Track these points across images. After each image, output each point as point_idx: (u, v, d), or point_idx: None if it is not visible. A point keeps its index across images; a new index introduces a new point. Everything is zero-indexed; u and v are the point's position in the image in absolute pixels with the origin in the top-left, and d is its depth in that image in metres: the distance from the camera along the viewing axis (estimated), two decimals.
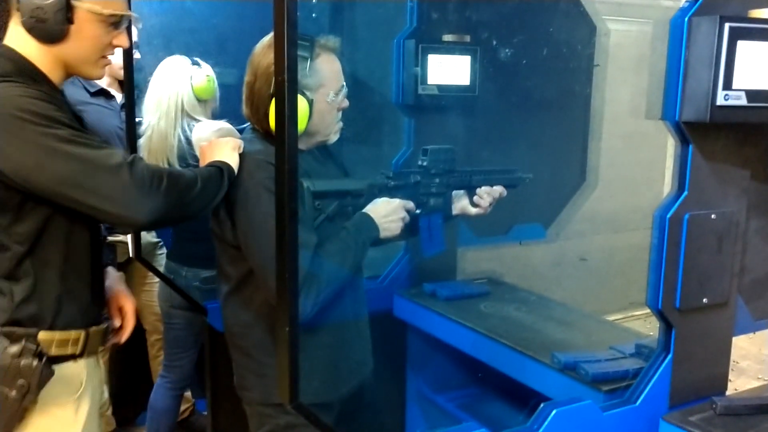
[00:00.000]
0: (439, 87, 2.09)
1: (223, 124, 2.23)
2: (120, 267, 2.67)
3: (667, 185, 1.35)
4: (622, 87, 2.58)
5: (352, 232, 1.51)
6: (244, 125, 2.46)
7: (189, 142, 2.26)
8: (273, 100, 1.32)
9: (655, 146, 3.49)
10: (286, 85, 0.95)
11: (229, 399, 2.18)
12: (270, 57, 1.37)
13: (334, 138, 1.57)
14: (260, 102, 1.49)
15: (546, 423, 1.29)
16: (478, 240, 2.29)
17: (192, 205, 1.37)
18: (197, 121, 2.28)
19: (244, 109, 1.55)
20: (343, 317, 1.58)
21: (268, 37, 1.49)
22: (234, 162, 1.47)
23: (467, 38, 2.16)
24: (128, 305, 1.60)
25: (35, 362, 1.29)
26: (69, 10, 1.30)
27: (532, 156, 2.22)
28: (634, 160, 3.74)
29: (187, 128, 2.25)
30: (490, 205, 1.72)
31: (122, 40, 1.40)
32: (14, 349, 1.28)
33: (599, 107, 2.51)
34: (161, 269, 2.46)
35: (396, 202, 1.57)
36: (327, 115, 1.52)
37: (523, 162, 2.09)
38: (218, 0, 2.77)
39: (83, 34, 1.33)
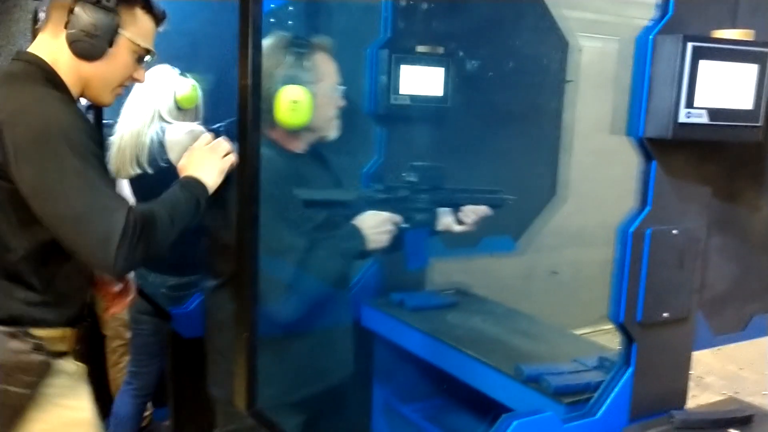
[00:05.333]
0: (412, 97, 2.10)
1: (195, 127, 2.21)
2: None
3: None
4: (594, 103, 2.61)
5: (340, 241, 1.54)
6: (217, 125, 2.46)
7: (161, 144, 2.25)
8: (277, 95, 1.46)
9: (625, 162, 3.53)
10: (249, 89, 0.95)
11: (191, 406, 2.15)
12: (270, 57, 1.46)
13: (333, 134, 1.62)
14: (264, 98, 1.52)
15: None
16: (448, 251, 2.30)
17: (162, 246, 1.37)
18: (169, 123, 2.26)
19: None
20: (322, 324, 1.61)
21: (267, 39, 1.54)
22: (212, 176, 1.46)
23: (440, 50, 2.17)
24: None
25: (36, 356, 1.33)
26: (116, 34, 1.36)
27: (502, 168, 2.24)
28: (604, 176, 3.78)
29: (159, 131, 2.23)
30: (475, 223, 1.75)
31: (141, 74, 1.48)
32: (14, 345, 1.31)
33: (570, 122, 2.53)
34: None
35: (384, 215, 1.60)
36: (326, 110, 1.58)
37: (494, 174, 2.11)
38: (190, 1, 2.75)
39: (116, 60, 1.39)
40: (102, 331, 2.84)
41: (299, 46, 1.52)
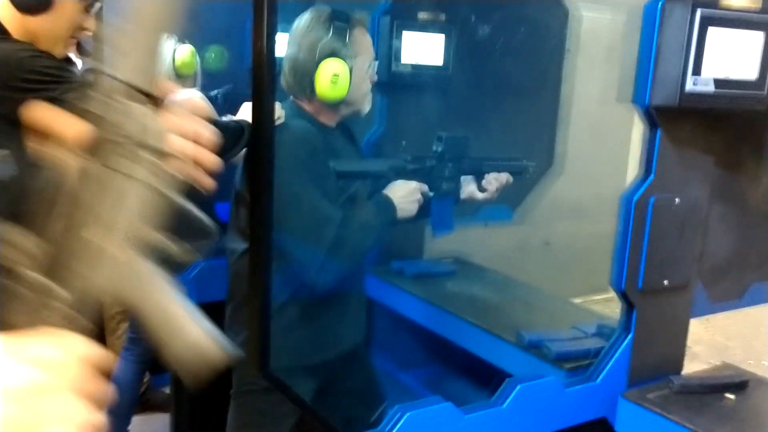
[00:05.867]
0: (413, 66, 2.09)
1: (194, 93, 2.19)
2: None
3: (630, 176, 1.38)
4: (591, 75, 2.60)
5: (372, 211, 1.58)
6: (215, 92, 2.44)
7: None
8: (317, 69, 1.49)
9: (619, 136, 3.54)
10: (264, 51, 0.94)
11: None
12: (310, 31, 1.53)
13: (366, 108, 1.66)
14: (305, 72, 1.55)
15: (510, 398, 1.32)
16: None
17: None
18: None
19: (285, 80, 1.61)
20: (347, 291, 1.68)
21: (308, 13, 1.58)
22: None
23: (442, 17, 2.16)
24: None
25: None
26: None
27: (501, 137, 2.24)
28: (598, 150, 3.78)
29: None
30: (497, 190, 1.76)
31: (91, 23, 1.43)
32: None
33: (568, 94, 2.53)
34: None
35: (413, 185, 1.63)
36: (362, 84, 1.61)
37: (493, 143, 2.11)
38: None
39: (62, 11, 1.35)
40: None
41: (340, 20, 1.54)
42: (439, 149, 1.70)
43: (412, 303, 1.99)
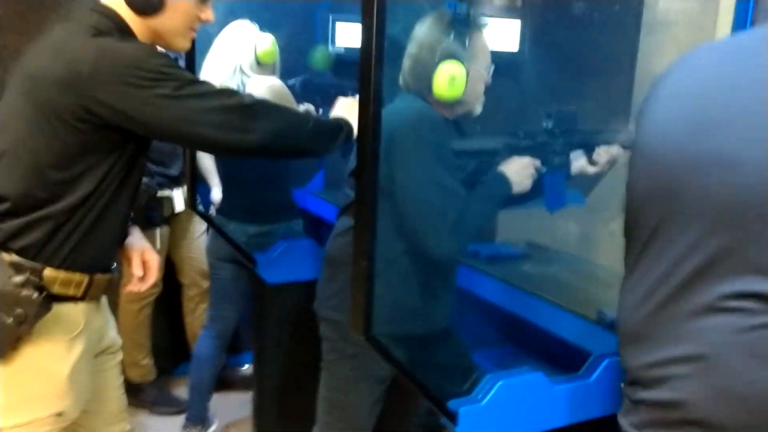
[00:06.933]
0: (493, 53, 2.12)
1: (275, 80, 2.27)
2: (164, 221, 2.76)
3: None
4: (667, 54, 2.57)
5: (490, 186, 1.64)
6: (293, 80, 2.51)
7: None
8: (438, 68, 1.57)
9: None
10: (374, 30, 0.99)
11: (274, 351, 2.25)
12: (433, 34, 1.61)
13: (479, 108, 1.73)
14: (425, 72, 1.62)
15: (597, 372, 1.34)
16: (516, 203, 2.32)
17: (301, 139, 1.45)
18: (249, 77, 2.33)
19: (404, 79, 1.69)
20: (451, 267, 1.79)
21: (431, 16, 1.66)
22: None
23: (518, 1, 2.18)
24: (153, 259, 1.67)
25: (35, 295, 1.33)
26: None
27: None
28: None
29: (240, 84, 2.30)
30: (608, 162, 1.78)
31: (209, 14, 1.50)
32: (18, 279, 1.32)
33: (644, 75, 2.50)
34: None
35: (526, 160, 1.68)
36: (478, 86, 1.68)
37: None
38: None
39: (177, 8, 1.43)
40: (179, 278, 2.97)
41: (461, 24, 1.61)
42: (549, 125, 1.73)
43: (490, 284, 2.02)
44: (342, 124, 1.53)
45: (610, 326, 1.63)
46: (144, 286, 1.67)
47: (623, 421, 1.02)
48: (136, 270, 1.64)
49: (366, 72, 1.14)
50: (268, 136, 1.38)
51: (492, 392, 1.24)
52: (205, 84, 1.41)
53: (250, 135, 1.36)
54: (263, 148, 1.40)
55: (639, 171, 1.00)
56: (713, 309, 0.89)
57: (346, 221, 1.75)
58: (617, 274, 2.07)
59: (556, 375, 1.41)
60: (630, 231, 1.05)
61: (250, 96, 1.44)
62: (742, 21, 1.29)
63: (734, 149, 0.85)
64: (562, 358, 1.64)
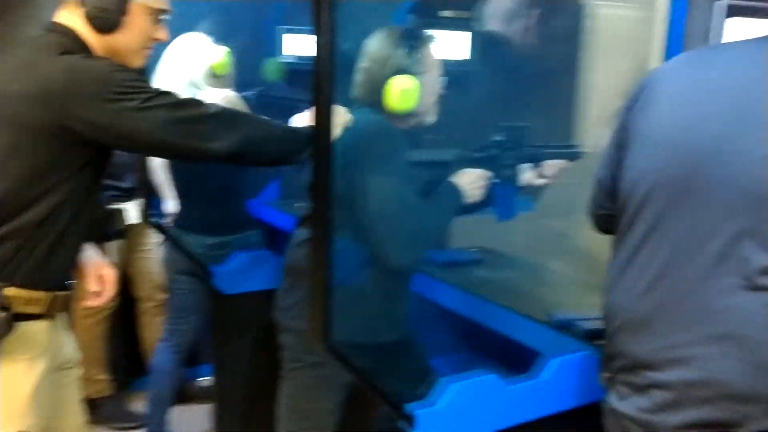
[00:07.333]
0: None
1: (229, 92, 2.28)
2: (117, 235, 2.73)
3: None
4: (605, 70, 2.66)
5: (442, 197, 1.70)
6: (248, 92, 2.52)
7: None
8: (389, 82, 1.61)
9: None
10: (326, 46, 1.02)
11: (233, 360, 2.26)
12: (384, 49, 1.66)
13: (431, 118, 1.79)
14: (378, 85, 1.67)
15: (548, 371, 1.40)
16: (469, 210, 2.38)
17: (271, 146, 1.49)
18: (202, 90, 2.34)
19: (357, 92, 1.74)
20: (407, 276, 1.84)
21: (381, 33, 1.72)
22: None
23: (466, 14, 2.24)
24: (109, 274, 1.68)
25: (1, 314, 1.34)
26: (126, 2, 1.44)
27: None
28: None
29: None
30: (554, 176, 1.86)
31: (162, 33, 1.54)
32: None
33: (583, 89, 2.59)
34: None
35: (477, 172, 1.74)
36: (429, 98, 1.74)
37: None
38: None
39: (133, 27, 1.47)
40: (134, 292, 2.94)
41: (412, 38, 1.68)
42: (500, 138, 1.80)
43: (443, 290, 2.06)
44: (309, 131, 1.56)
45: (559, 327, 1.70)
46: (101, 301, 1.68)
47: (623, 407, 1.05)
48: (93, 285, 1.64)
49: (320, 84, 1.17)
50: (238, 144, 1.41)
51: (447, 395, 1.28)
52: (173, 95, 1.43)
53: (220, 143, 1.39)
54: (234, 155, 1.43)
55: (645, 162, 1.06)
56: (741, 287, 0.94)
57: (306, 232, 1.77)
58: (565, 277, 2.17)
59: (511, 377, 1.46)
60: (629, 222, 1.10)
61: (218, 105, 1.47)
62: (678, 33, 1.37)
63: (750, 141, 0.94)
64: (517, 361, 1.70)
